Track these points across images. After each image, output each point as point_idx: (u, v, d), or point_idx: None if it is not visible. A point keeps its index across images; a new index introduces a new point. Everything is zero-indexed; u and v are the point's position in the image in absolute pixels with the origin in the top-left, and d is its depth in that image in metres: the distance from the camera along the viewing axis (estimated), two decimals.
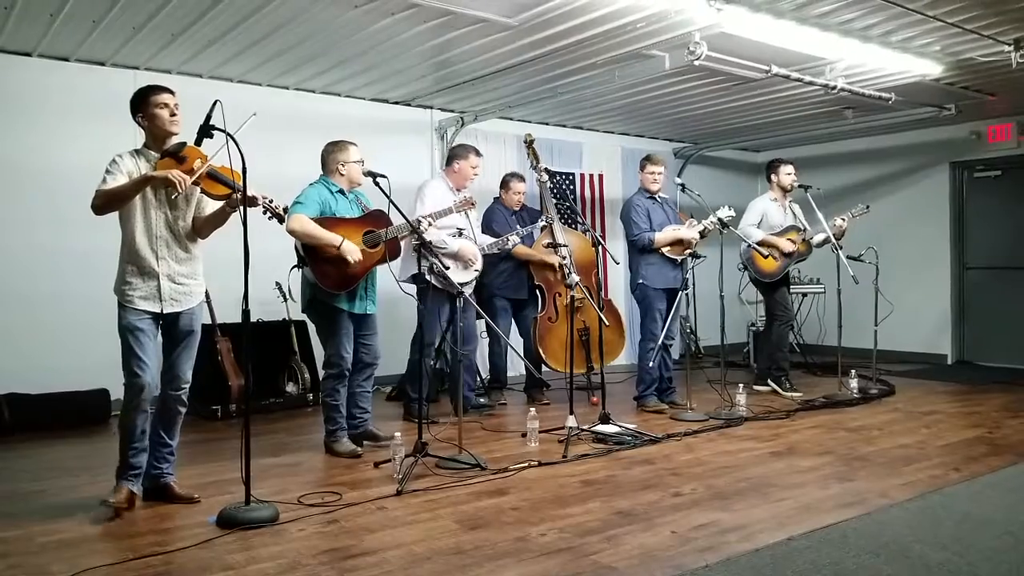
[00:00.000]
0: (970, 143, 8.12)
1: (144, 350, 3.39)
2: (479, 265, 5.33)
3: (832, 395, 6.08)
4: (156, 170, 3.34)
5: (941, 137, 8.27)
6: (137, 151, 3.48)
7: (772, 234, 6.16)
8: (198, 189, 3.45)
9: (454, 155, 5.47)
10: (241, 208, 3.33)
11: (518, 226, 5.87)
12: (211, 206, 3.55)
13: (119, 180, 3.33)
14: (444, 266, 4.47)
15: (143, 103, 3.44)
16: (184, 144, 3.40)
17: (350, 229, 4.33)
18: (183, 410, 3.62)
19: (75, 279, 5.32)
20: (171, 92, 3.48)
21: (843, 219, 6.29)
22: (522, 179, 6.06)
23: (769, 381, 6.37)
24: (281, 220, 3.62)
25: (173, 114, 3.44)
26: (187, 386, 3.59)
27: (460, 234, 5.12)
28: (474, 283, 5.41)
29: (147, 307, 3.42)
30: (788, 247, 6.13)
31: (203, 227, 3.57)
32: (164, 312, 3.45)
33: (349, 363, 4.46)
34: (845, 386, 6.17)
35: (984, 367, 8.01)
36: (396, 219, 4.31)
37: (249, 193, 3.34)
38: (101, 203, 3.32)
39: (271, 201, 3.48)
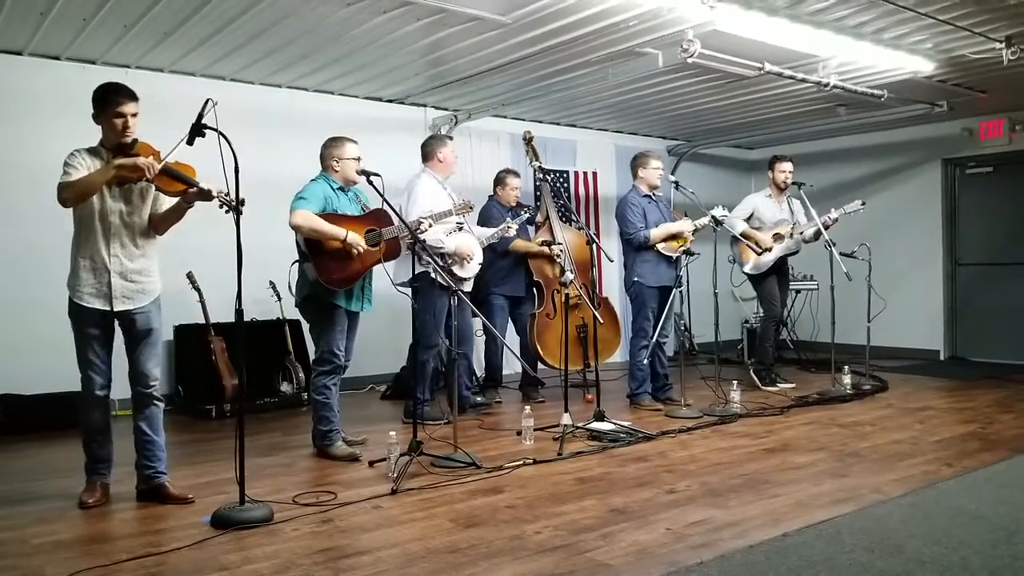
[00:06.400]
0: (962, 140, 8.14)
1: (92, 345, 3.43)
2: (479, 259, 5.26)
3: (825, 391, 6.10)
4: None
5: (933, 134, 8.29)
6: (93, 149, 3.44)
7: (762, 230, 6.31)
8: (153, 186, 3.42)
9: (433, 148, 5.31)
10: (235, 208, 3.30)
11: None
12: (167, 203, 3.53)
13: (81, 174, 3.31)
14: (446, 263, 4.42)
15: (103, 106, 3.37)
16: (136, 141, 3.39)
17: (353, 227, 4.28)
18: (160, 405, 3.61)
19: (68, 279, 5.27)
20: (133, 99, 3.39)
21: (836, 212, 6.30)
22: (517, 175, 6.05)
23: (752, 374, 6.52)
24: (239, 213, 3.37)
25: (127, 126, 3.36)
26: (156, 383, 3.58)
27: (460, 228, 5.07)
28: (472, 280, 5.34)
29: (96, 304, 3.41)
30: (766, 243, 6.24)
31: (159, 224, 3.54)
32: (115, 310, 3.43)
33: (342, 360, 4.41)
34: (838, 382, 6.18)
35: (976, 363, 8.03)
36: (394, 218, 4.30)
37: (204, 187, 3.34)
38: (73, 195, 3.28)
39: (227, 194, 3.36)
